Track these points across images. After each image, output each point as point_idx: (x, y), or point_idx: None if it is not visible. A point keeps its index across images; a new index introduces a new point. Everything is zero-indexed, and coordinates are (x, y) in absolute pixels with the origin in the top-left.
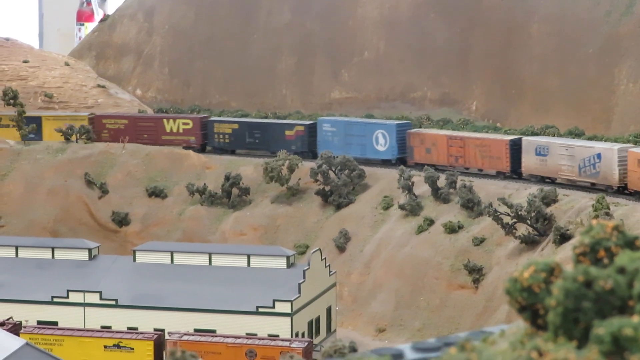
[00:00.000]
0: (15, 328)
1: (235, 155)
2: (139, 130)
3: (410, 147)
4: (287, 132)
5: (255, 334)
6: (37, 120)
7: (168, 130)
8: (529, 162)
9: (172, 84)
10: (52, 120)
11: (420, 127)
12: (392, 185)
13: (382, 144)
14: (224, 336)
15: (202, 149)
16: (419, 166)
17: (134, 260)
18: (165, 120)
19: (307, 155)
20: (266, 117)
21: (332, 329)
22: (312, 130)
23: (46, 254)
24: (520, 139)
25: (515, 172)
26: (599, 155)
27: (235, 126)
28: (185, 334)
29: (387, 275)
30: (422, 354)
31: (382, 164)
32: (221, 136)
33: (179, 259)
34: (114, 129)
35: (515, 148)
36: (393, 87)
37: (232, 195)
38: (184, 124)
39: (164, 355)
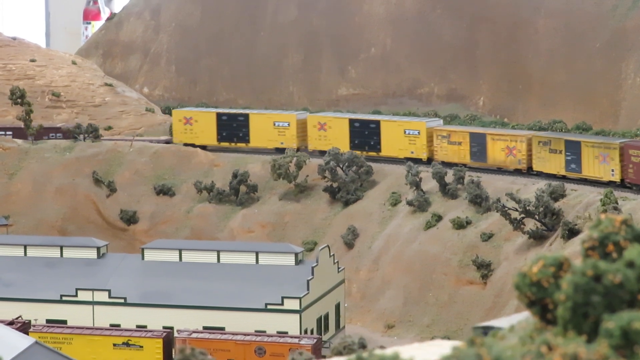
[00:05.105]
0: (25, 327)
1: (241, 153)
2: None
3: None
4: None
5: (264, 331)
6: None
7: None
8: None
9: (179, 81)
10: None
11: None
12: (399, 182)
13: None
14: (232, 333)
15: None
16: None
17: (143, 258)
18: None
19: None
20: None
21: (341, 326)
22: None
23: (55, 253)
24: None
25: None
26: None
27: None
28: (194, 332)
29: (395, 271)
30: None
31: None
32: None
33: (188, 256)
34: (636, 162)
35: None
36: (400, 83)
37: (240, 192)
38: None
39: (173, 353)
